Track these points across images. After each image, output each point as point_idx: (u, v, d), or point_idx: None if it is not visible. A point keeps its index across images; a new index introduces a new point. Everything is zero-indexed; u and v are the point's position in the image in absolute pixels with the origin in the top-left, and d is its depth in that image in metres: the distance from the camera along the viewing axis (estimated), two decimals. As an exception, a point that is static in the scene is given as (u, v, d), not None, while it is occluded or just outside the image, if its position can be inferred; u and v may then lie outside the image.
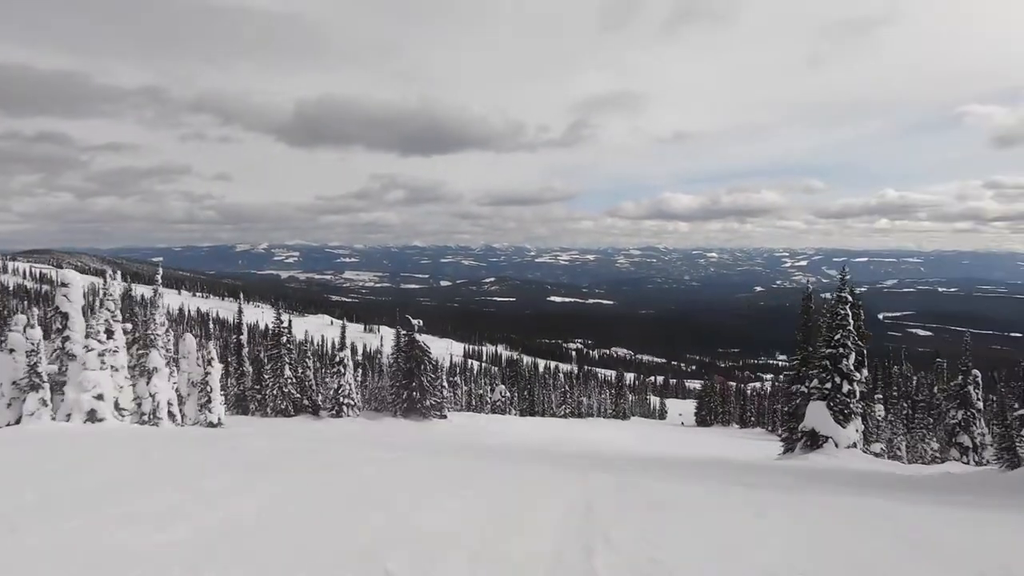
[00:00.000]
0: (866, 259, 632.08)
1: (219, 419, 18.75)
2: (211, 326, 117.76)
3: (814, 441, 14.46)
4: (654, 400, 79.89)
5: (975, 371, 25.34)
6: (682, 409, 76.58)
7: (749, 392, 63.29)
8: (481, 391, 53.27)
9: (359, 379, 30.29)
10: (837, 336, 14.91)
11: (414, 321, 27.21)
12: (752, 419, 56.65)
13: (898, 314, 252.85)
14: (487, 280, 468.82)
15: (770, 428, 49.34)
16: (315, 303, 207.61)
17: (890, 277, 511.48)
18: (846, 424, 14.25)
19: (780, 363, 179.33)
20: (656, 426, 50.43)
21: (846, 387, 14.50)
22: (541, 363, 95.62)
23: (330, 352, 77.18)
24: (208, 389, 18.36)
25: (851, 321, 14.75)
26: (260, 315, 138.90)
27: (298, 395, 26.28)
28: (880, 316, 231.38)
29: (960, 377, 24.85)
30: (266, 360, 26.25)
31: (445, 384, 32.83)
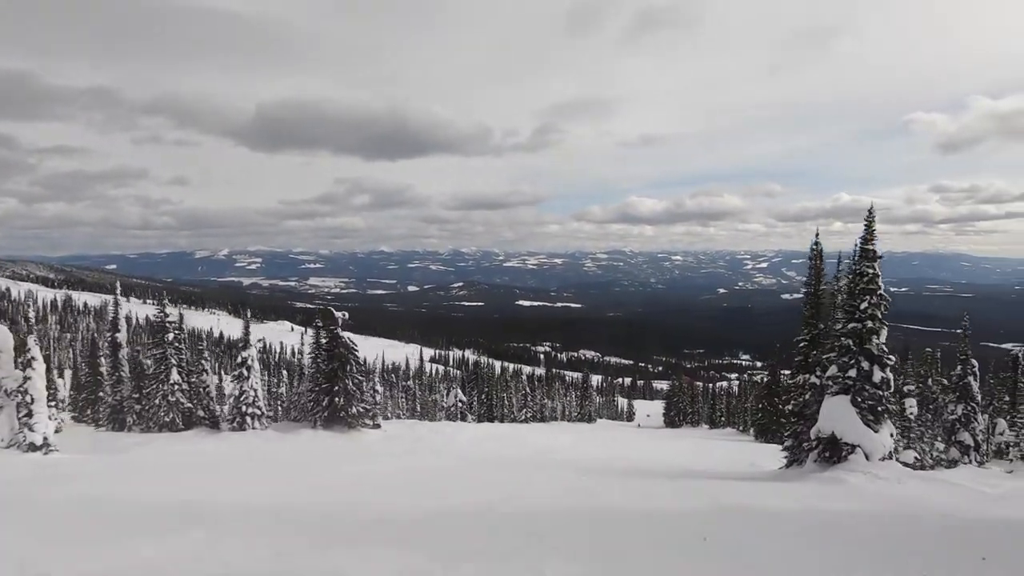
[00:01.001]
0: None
1: (45, 439, 13.88)
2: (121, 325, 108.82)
3: (835, 451, 10.54)
4: (622, 402, 77.25)
5: (974, 360, 22.29)
6: (650, 410, 74.27)
7: (718, 391, 60.91)
8: (436, 396, 49.14)
9: (291, 385, 26.09)
10: (864, 305, 10.85)
11: (338, 314, 22.78)
12: (722, 419, 54.55)
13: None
14: (455, 285, 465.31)
15: (740, 428, 48.00)
16: (277, 310, 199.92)
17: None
18: (878, 427, 10.47)
19: (744, 363, 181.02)
20: (622, 429, 47.59)
21: (877, 375, 10.48)
22: (507, 366, 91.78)
23: (284, 360, 71.28)
24: (28, 399, 13.54)
25: (881, 284, 11.02)
26: (215, 322, 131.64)
27: (189, 405, 21.41)
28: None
29: (959, 367, 21.70)
30: (147, 363, 21.30)
31: (378, 388, 28.46)
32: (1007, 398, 24.55)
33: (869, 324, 10.79)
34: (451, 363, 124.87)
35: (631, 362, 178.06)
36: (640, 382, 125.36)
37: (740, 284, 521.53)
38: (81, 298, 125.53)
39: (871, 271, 10.95)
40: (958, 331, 23.05)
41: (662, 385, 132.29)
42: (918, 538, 6.48)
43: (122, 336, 22.92)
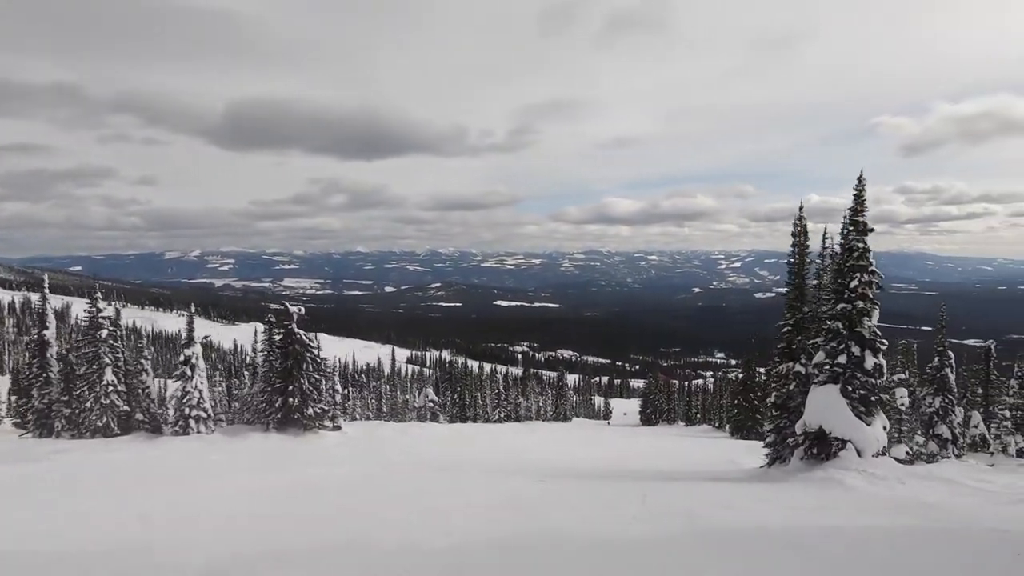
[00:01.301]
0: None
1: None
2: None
3: (823, 447, 9.48)
4: (598, 400, 76.70)
5: (950, 352, 21.81)
6: (627, 408, 73.93)
7: (694, 389, 60.82)
8: (408, 396, 47.40)
9: (248, 385, 24.43)
10: (854, 283, 9.80)
11: (292, 308, 21.17)
12: (698, 416, 54.34)
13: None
14: (433, 285, 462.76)
15: (716, 425, 48.10)
16: (250, 311, 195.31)
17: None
18: (871, 419, 9.42)
19: (719, 361, 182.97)
20: (597, 427, 46.93)
21: (870, 361, 9.35)
22: (482, 366, 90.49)
23: (254, 361, 69.24)
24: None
25: (872, 261, 9.94)
26: (183, 324, 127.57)
27: (125, 408, 19.60)
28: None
29: (936, 359, 21.14)
30: (78, 362, 19.42)
31: (339, 388, 26.77)
32: (980, 391, 24.61)
33: (860, 305, 9.74)
34: (428, 364, 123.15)
35: (608, 361, 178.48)
36: (617, 381, 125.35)
37: (715, 283, 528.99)
38: (50, 303, 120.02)
39: (861, 245, 9.95)
40: (935, 325, 22.80)
41: (639, 384, 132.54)
42: (965, 559, 5.07)
43: (50, 333, 20.92)
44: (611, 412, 70.44)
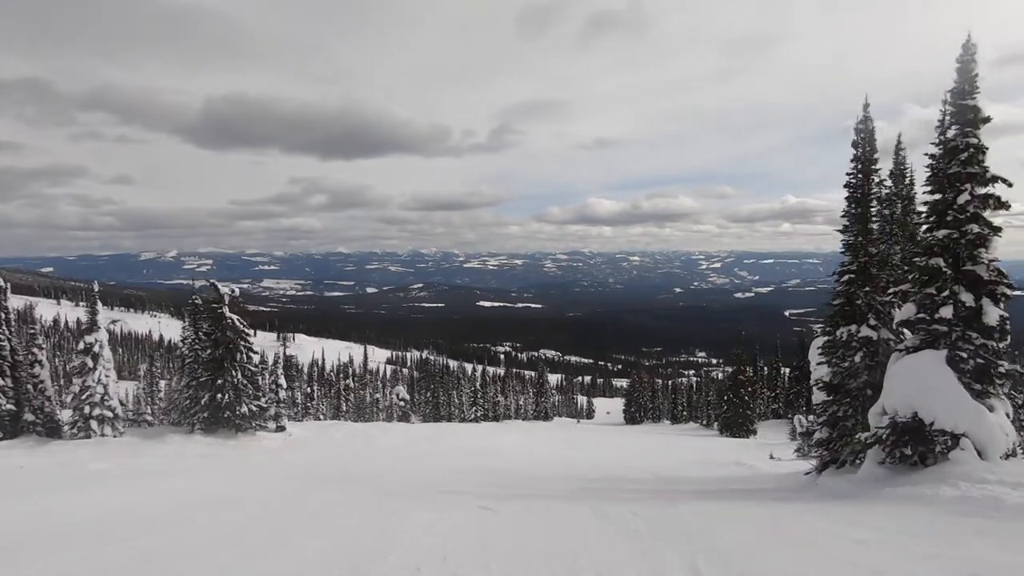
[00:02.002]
0: (772, 260, 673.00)
1: None
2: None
3: (919, 445, 6.31)
4: (581, 400, 74.49)
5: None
6: (610, 407, 72.07)
7: (679, 386, 59.21)
8: (378, 395, 44.11)
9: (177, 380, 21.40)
10: (963, 198, 6.68)
11: (224, 289, 18.08)
12: (684, 414, 52.74)
13: (801, 311, 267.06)
14: (415, 286, 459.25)
15: (704, 422, 46.65)
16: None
17: (793, 277, 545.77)
18: (991, 401, 6.39)
19: (700, 360, 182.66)
20: (580, 426, 45.31)
21: (992, 314, 6.28)
22: (463, 365, 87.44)
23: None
24: None
25: (985, 167, 6.77)
26: (156, 325, 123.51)
27: (11, 406, 16.07)
28: (787, 313, 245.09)
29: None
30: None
31: (282, 383, 24.37)
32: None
33: (974, 230, 6.74)
34: (408, 364, 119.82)
35: (591, 361, 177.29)
36: (600, 380, 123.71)
37: (695, 284, 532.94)
38: (10, 303, 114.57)
39: (974, 143, 6.87)
40: None
41: (622, 383, 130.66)
42: None
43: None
44: (594, 411, 68.45)
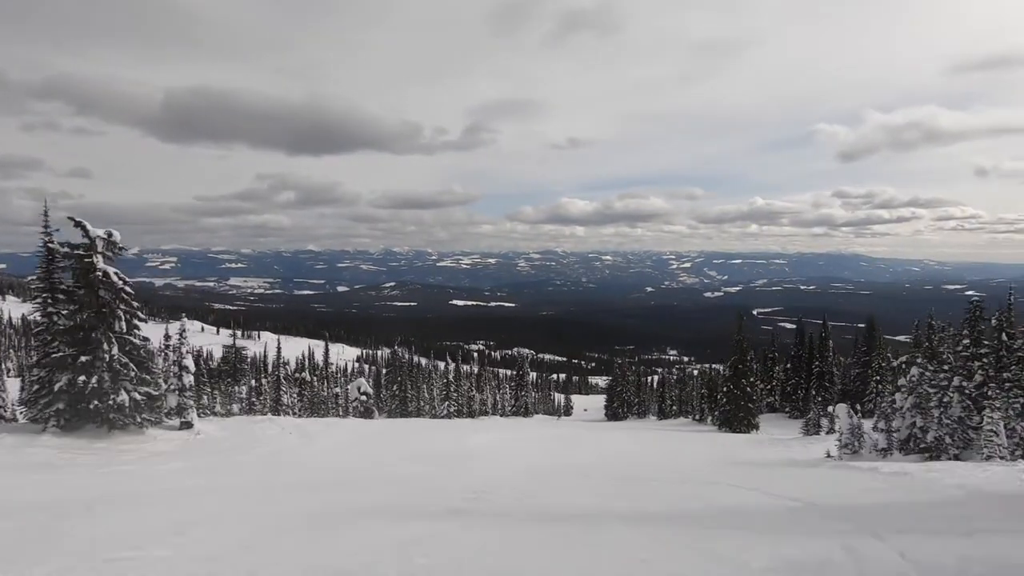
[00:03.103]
0: (740, 261, 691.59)
1: None
2: None
3: None
4: (558, 397, 77.49)
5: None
6: (587, 404, 74.73)
7: (667, 379, 56.51)
8: (338, 389, 41.67)
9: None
10: None
11: (97, 231, 14.95)
12: (673, 408, 51.31)
13: (768, 310, 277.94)
14: (387, 285, 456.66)
15: (697, 417, 44.17)
16: (189, 311, 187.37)
17: (760, 277, 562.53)
18: None
19: (672, 358, 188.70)
20: (564, 423, 45.08)
21: None
22: (435, 362, 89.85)
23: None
24: None
25: None
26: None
27: None
28: (755, 312, 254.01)
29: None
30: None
31: (188, 364, 18.92)
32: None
33: None
34: (379, 361, 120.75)
35: (565, 359, 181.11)
36: (576, 378, 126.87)
37: (666, 283, 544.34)
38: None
39: None
40: (863, 325, 24.27)
41: (597, 380, 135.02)
42: None
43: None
44: (572, 408, 71.28)
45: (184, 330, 20.64)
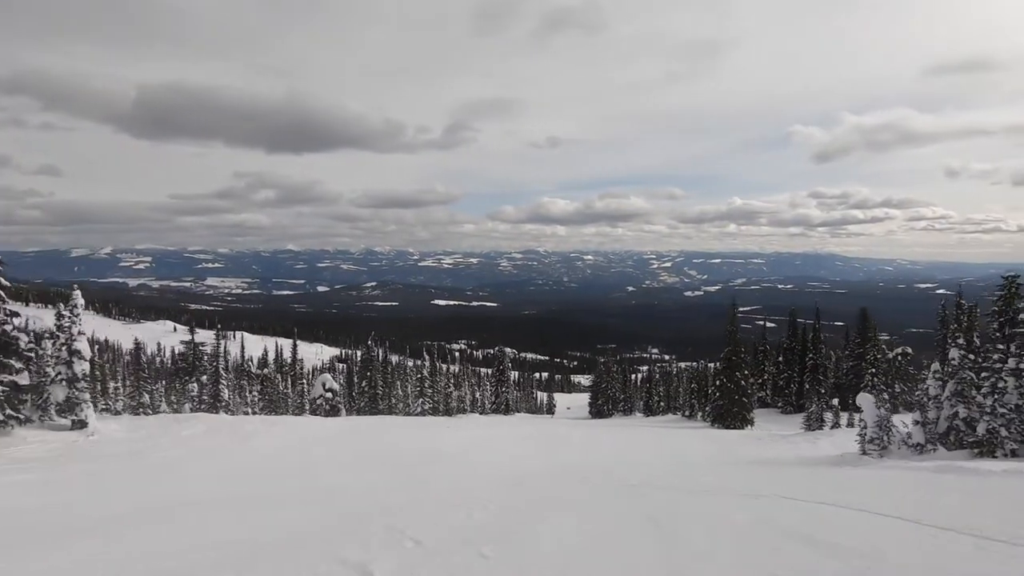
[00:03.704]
0: (719, 260, 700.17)
1: None
2: None
3: None
4: (540, 396, 76.41)
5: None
6: (570, 403, 74.12)
7: (654, 375, 55.67)
8: (302, 386, 39.52)
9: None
10: None
11: None
12: (661, 404, 50.23)
13: (747, 308, 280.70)
14: (368, 285, 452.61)
15: (687, 413, 42.73)
16: (164, 311, 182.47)
17: (739, 276, 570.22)
18: None
19: (654, 356, 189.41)
20: (548, 421, 43.68)
21: None
22: (403, 359, 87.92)
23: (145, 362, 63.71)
24: None
25: None
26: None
27: None
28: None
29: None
30: None
31: (82, 349, 16.37)
32: None
33: None
34: (357, 361, 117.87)
35: (547, 358, 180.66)
36: (558, 377, 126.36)
37: (647, 283, 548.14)
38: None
39: None
40: (840, 323, 23.27)
41: (580, 379, 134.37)
42: None
43: None
44: (554, 406, 70.36)
45: (76, 306, 16.97)
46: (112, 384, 33.03)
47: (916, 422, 10.69)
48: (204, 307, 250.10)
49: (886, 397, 11.02)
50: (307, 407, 31.87)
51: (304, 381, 41.15)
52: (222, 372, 25.48)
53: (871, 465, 10.17)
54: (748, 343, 40.91)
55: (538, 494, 8.46)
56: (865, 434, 11.47)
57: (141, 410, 19.18)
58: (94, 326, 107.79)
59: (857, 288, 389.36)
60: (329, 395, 29.90)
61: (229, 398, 26.08)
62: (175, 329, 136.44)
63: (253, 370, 30.40)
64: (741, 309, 36.84)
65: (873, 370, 29.03)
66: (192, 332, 27.55)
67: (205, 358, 25.70)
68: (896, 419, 12.40)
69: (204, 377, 25.79)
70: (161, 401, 22.41)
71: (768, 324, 50.15)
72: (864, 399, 11.36)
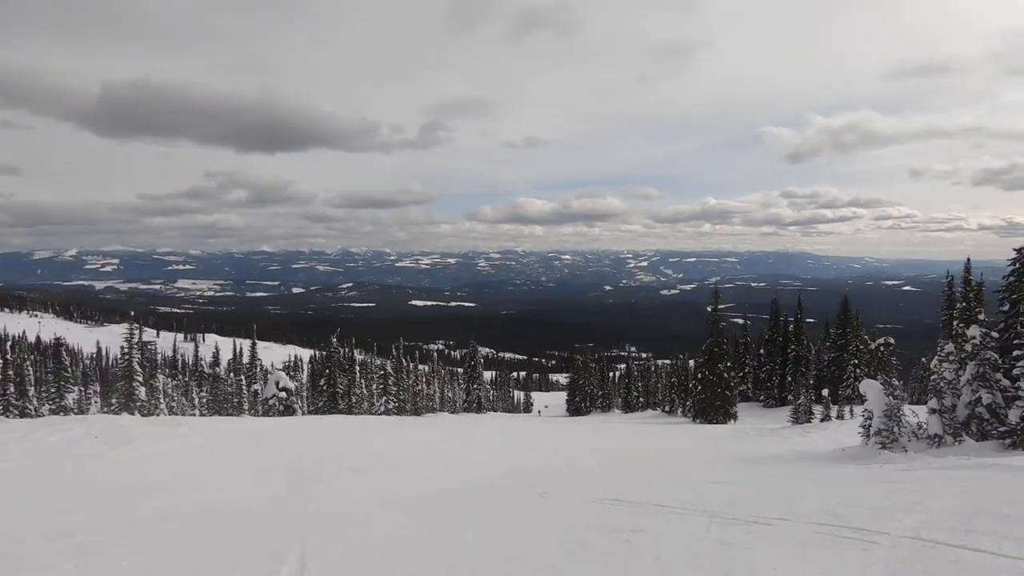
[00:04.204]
0: (695, 259, 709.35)
1: None
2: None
3: None
4: (517, 394, 75.37)
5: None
6: (548, 401, 73.43)
7: (632, 370, 54.16)
8: (256, 386, 36.90)
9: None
10: None
11: None
12: (641, 400, 49.14)
13: (722, 307, 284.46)
14: (344, 286, 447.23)
15: (666, 409, 41.65)
16: (127, 314, 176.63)
17: (714, 275, 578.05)
18: None
19: (632, 354, 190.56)
20: (523, 419, 42.23)
21: None
22: (385, 360, 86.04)
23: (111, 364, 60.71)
24: None
25: None
26: (37, 326, 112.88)
27: None
28: (709, 308, 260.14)
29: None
30: None
31: None
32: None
33: None
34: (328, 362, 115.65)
35: (525, 357, 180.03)
36: (536, 375, 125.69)
37: (624, 282, 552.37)
38: None
39: None
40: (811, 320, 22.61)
41: (558, 377, 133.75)
42: None
43: None
44: (532, 404, 69.42)
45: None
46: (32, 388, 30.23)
47: (932, 411, 9.57)
48: (174, 310, 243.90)
49: (895, 383, 9.77)
50: (260, 407, 30.02)
51: (263, 381, 38.78)
52: (136, 368, 23.67)
53: (894, 461, 8.78)
54: (728, 337, 38.86)
55: (441, 521, 6.60)
56: (869, 425, 10.34)
57: (61, 412, 17.57)
58: (53, 328, 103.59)
59: (828, 286, 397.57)
60: (283, 394, 27.86)
61: (147, 397, 24.10)
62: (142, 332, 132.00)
63: (205, 371, 28.40)
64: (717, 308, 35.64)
65: (856, 361, 28.42)
66: (140, 332, 25.63)
67: (135, 359, 23.88)
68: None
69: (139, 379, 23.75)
70: (91, 404, 20.68)
71: (741, 321, 49.57)
72: (869, 386, 10.19)
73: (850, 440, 12.25)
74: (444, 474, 11.22)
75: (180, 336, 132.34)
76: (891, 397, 9.69)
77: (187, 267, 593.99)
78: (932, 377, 9.72)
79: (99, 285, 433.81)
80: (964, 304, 10.67)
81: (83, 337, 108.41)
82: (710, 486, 8.31)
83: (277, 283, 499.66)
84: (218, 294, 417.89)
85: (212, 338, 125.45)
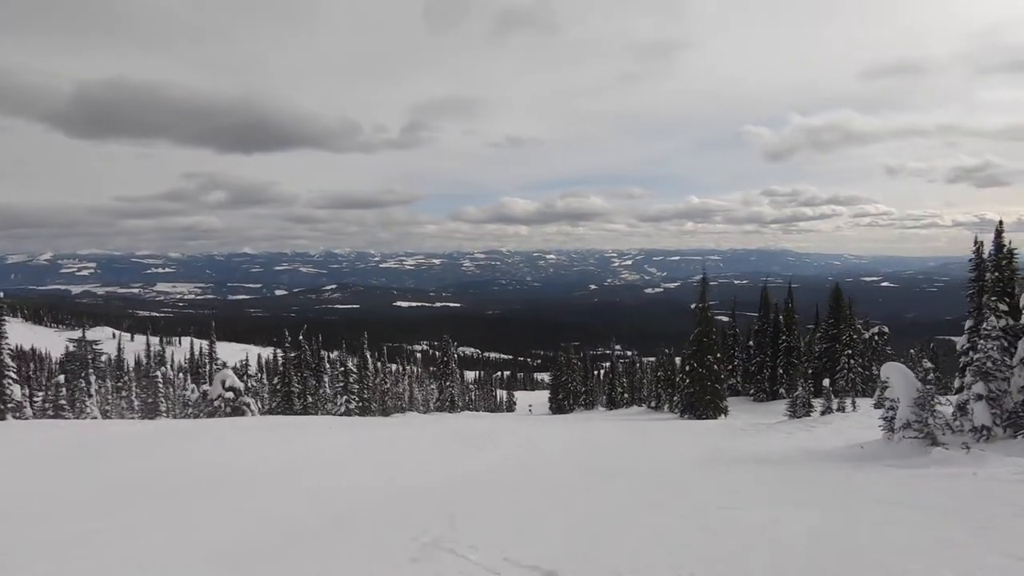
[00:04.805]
0: (679, 258, 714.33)
1: None
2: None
3: None
4: (501, 393, 74.03)
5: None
6: (532, 400, 72.28)
7: (617, 366, 53.62)
8: (206, 387, 32.98)
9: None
10: None
11: None
12: (625, 396, 48.19)
13: (709, 301, 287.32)
14: (328, 287, 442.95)
15: (652, 404, 40.40)
16: (107, 318, 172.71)
17: (698, 273, 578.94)
18: None
19: (617, 352, 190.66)
20: (500, 418, 40.21)
21: None
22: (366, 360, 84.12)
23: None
24: None
25: None
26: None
27: None
28: (692, 306, 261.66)
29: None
30: None
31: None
32: None
33: None
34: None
35: (511, 357, 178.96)
36: (520, 375, 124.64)
37: (608, 281, 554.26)
38: None
39: None
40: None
41: (543, 376, 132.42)
42: None
43: None
44: (515, 403, 68.19)
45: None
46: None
47: (979, 396, 7.99)
48: (153, 313, 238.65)
49: (929, 365, 8.22)
50: (204, 408, 27.98)
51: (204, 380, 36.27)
52: (8, 363, 21.52)
53: (952, 463, 7.11)
54: (716, 329, 37.74)
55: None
56: (892, 416, 8.74)
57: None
58: (21, 333, 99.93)
59: (809, 282, 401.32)
60: (230, 395, 25.62)
61: (22, 397, 21.89)
62: (114, 336, 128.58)
63: (152, 372, 26.41)
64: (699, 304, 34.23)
65: (849, 351, 27.22)
66: (84, 332, 23.62)
67: (95, 362, 22.05)
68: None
69: (63, 378, 21.59)
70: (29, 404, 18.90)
71: (727, 318, 48.60)
72: (894, 369, 8.57)
73: (860, 435, 10.77)
74: (376, 485, 8.61)
75: (155, 340, 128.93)
76: (919, 384, 8.08)
77: (167, 270, 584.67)
78: (976, 358, 8.15)
79: (76, 289, 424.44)
80: (996, 274, 9.29)
81: (53, 342, 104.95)
82: (721, 515, 5.94)
83: (259, 285, 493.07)
84: (199, 297, 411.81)
85: (188, 342, 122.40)
